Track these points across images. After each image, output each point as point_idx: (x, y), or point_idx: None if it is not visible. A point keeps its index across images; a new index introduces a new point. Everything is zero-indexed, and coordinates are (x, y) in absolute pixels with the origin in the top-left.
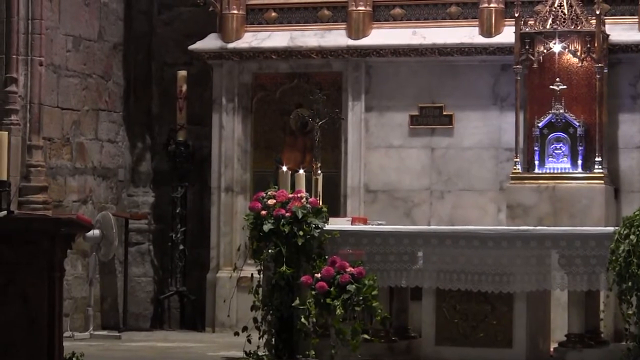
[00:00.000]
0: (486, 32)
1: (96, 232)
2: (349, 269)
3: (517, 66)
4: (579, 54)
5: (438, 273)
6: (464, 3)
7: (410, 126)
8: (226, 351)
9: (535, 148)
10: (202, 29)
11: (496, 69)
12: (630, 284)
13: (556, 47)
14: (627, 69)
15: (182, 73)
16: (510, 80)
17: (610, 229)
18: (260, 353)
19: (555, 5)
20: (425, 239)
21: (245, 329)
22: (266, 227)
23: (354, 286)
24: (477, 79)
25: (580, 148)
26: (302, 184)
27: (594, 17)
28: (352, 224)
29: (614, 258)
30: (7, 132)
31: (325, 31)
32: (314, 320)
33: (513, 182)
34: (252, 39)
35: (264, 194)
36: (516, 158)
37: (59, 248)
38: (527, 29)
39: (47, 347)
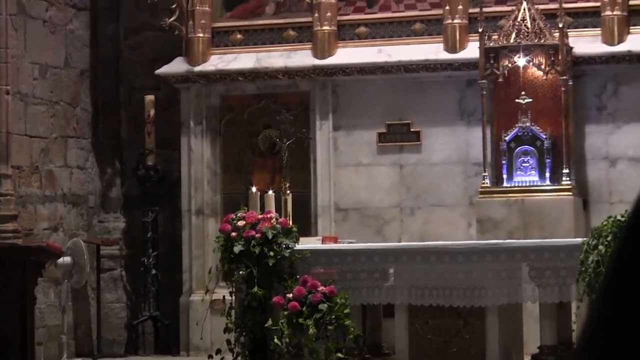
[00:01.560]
0: (451, 48)
1: (67, 259)
2: (321, 288)
3: (483, 81)
4: (543, 67)
5: (410, 289)
6: (428, 20)
7: (379, 144)
8: None
9: (503, 162)
10: (168, 52)
11: (462, 84)
12: None
13: (520, 60)
14: (592, 80)
15: (150, 97)
16: (476, 95)
17: (579, 240)
18: None
19: (519, 19)
20: (396, 255)
21: (219, 351)
22: (237, 248)
23: (326, 305)
24: (444, 94)
25: (548, 161)
26: (271, 205)
27: (557, 30)
28: (322, 243)
29: (583, 269)
30: None
31: (291, 52)
32: (287, 340)
33: (482, 196)
34: (218, 61)
35: (233, 216)
36: (484, 172)
37: (30, 276)
38: (491, 44)
39: None
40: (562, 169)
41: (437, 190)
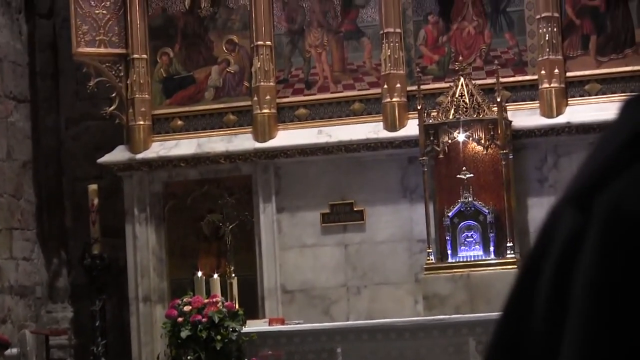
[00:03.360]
0: (391, 126)
1: (14, 350)
2: None
3: (423, 158)
4: (483, 141)
5: None
6: (367, 99)
7: (323, 224)
8: None
9: (447, 238)
10: (110, 141)
11: (403, 162)
12: None
13: (460, 136)
14: (532, 153)
15: (93, 187)
16: (418, 172)
17: None
18: None
19: (457, 95)
20: (343, 334)
21: None
22: (184, 333)
23: None
24: (385, 173)
25: (492, 235)
26: (217, 289)
27: (495, 105)
28: (269, 325)
29: None
30: None
31: (231, 136)
32: None
33: (427, 272)
34: (159, 148)
35: (179, 301)
36: (429, 249)
37: None
38: (430, 121)
39: None
40: (506, 243)
41: (382, 268)
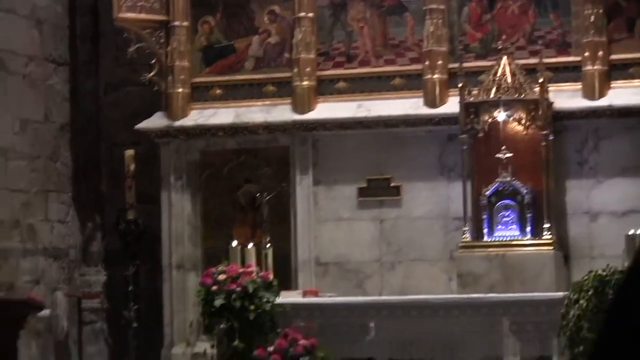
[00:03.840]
0: (431, 103)
1: (46, 312)
2: (302, 342)
3: (463, 136)
4: (523, 122)
5: (390, 343)
6: (408, 75)
7: (359, 198)
8: None
9: (484, 216)
10: (148, 107)
11: (442, 139)
12: (581, 348)
13: (501, 115)
14: (572, 135)
15: (130, 152)
16: (457, 150)
17: (560, 294)
18: None
19: (499, 74)
20: (377, 309)
21: None
22: (217, 302)
23: (307, 358)
24: (424, 149)
25: (529, 215)
26: (252, 259)
27: (537, 85)
28: (303, 297)
29: (564, 323)
30: None
31: (270, 107)
32: None
33: (463, 251)
34: (198, 116)
35: (214, 270)
36: (465, 227)
37: (12, 329)
38: (471, 99)
39: None
40: (543, 224)
41: (417, 244)
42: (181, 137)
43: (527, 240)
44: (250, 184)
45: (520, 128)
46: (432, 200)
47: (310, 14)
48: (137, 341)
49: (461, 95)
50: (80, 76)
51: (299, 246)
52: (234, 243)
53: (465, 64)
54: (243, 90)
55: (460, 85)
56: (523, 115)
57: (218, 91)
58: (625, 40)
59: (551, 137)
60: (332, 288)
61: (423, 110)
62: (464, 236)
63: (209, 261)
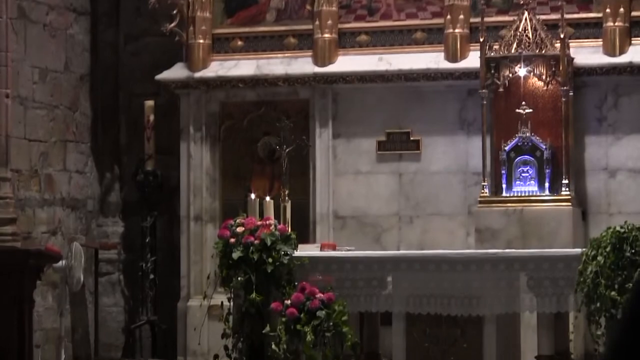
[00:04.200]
0: (452, 57)
1: (64, 262)
2: (319, 295)
3: (483, 91)
4: (544, 77)
5: (408, 298)
6: (429, 29)
7: (378, 152)
8: None
9: (503, 172)
10: (169, 58)
11: (462, 94)
12: (598, 304)
13: (521, 71)
14: (592, 91)
15: (150, 103)
16: (477, 105)
17: (578, 250)
18: None
19: (520, 29)
20: (394, 263)
21: (216, 357)
22: (235, 254)
23: (324, 312)
24: (444, 104)
25: (548, 171)
26: (270, 211)
27: (558, 41)
28: (321, 250)
29: (582, 279)
30: None
31: (291, 59)
32: (285, 347)
33: (481, 205)
34: (218, 67)
35: (232, 222)
36: (484, 182)
37: (28, 279)
38: (492, 54)
39: None
40: (562, 180)
41: (436, 199)
42: (201, 89)
43: (545, 196)
44: (270, 136)
45: (540, 84)
46: (451, 155)
47: None
48: (154, 293)
49: (482, 50)
50: (100, 26)
51: (318, 199)
52: (252, 195)
53: (487, 19)
54: (264, 41)
55: (481, 40)
56: (543, 70)
57: (239, 42)
58: None
59: (571, 93)
60: (349, 242)
61: (444, 64)
62: (482, 191)
63: (227, 213)
